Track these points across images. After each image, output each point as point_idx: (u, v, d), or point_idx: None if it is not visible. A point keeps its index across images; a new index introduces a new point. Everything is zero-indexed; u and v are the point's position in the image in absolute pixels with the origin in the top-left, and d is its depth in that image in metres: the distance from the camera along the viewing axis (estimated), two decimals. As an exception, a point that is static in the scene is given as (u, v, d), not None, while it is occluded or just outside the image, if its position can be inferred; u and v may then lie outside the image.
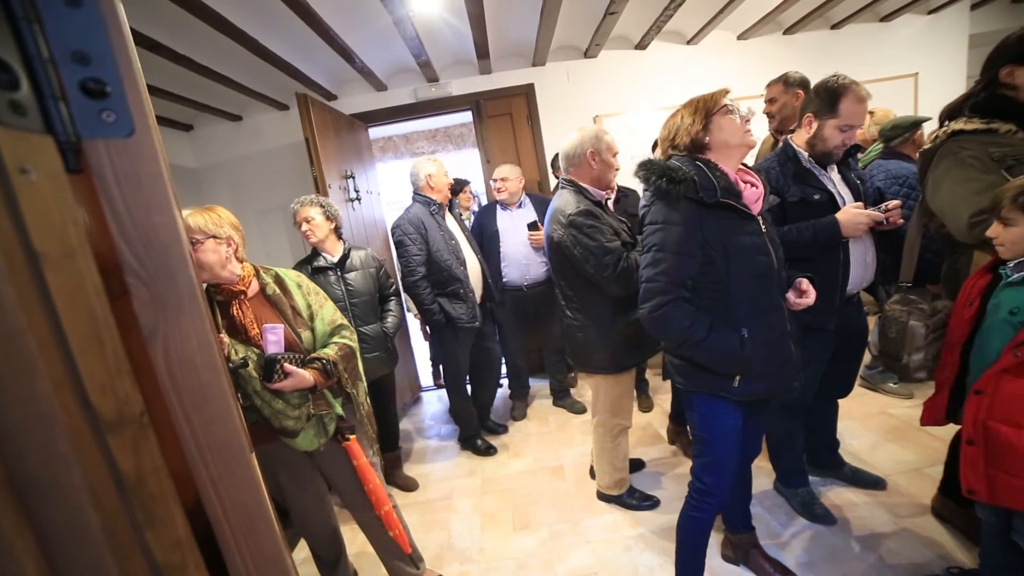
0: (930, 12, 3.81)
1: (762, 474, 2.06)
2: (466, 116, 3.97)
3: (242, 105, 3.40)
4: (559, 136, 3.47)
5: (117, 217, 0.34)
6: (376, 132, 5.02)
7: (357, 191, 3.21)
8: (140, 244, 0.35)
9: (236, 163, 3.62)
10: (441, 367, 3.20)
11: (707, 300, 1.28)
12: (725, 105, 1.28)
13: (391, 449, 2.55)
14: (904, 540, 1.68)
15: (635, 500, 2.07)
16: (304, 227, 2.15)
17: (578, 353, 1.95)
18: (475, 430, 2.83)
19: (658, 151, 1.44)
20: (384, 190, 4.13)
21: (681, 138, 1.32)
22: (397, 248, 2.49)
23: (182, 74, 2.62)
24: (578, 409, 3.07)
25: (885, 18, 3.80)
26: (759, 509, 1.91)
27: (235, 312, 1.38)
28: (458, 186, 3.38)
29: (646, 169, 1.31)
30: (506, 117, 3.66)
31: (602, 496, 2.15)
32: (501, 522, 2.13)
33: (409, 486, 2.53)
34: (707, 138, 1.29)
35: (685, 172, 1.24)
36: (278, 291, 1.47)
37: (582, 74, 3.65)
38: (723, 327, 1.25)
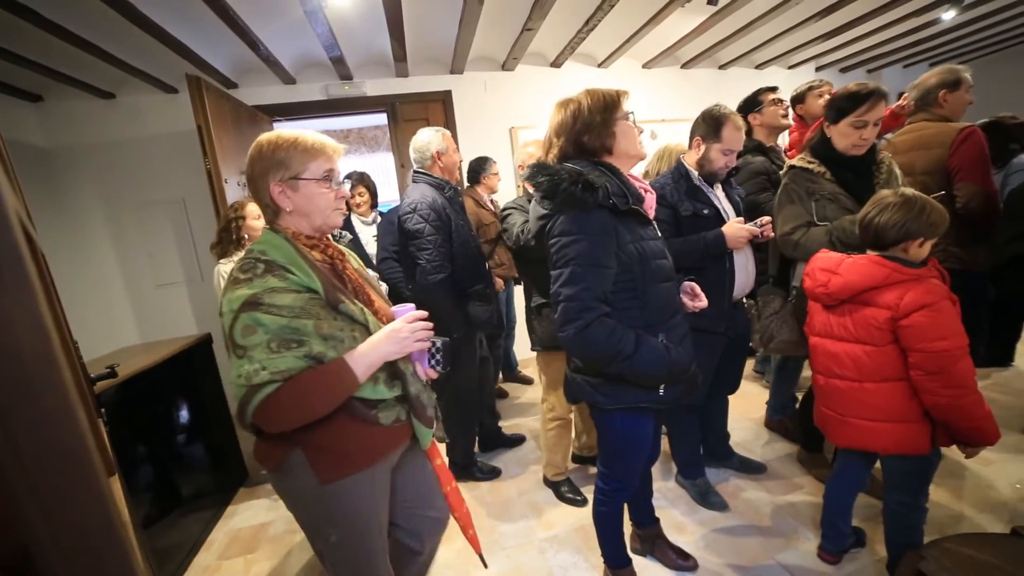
0: (790, 68, 4.55)
1: (667, 469, 2.22)
2: (381, 118, 3.86)
3: (115, 81, 2.95)
4: (476, 144, 3.50)
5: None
6: (284, 128, 4.67)
7: (258, 189, 2.95)
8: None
9: (107, 147, 3.14)
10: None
11: (622, 311, 1.21)
12: (626, 111, 1.24)
13: None
14: (780, 516, 1.89)
15: (567, 493, 2.14)
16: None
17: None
18: (472, 456, 2.44)
19: (552, 151, 1.30)
20: (290, 190, 3.84)
21: (593, 139, 1.22)
22: (412, 239, 1.95)
23: (23, 28, 2.12)
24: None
25: (759, 66, 4.44)
26: (663, 502, 2.04)
27: (351, 274, 1.10)
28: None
29: (549, 174, 1.17)
30: (422, 122, 3.62)
31: (544, 479, 2.27)
32: (415, 537, 2.04)
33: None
34: (612, 143, 1.23)
35: (598, 178, 1.15)
36: (359, 267, 1.21)
37: (499, 85, 3.73)
38: (647, 337, 1.20)
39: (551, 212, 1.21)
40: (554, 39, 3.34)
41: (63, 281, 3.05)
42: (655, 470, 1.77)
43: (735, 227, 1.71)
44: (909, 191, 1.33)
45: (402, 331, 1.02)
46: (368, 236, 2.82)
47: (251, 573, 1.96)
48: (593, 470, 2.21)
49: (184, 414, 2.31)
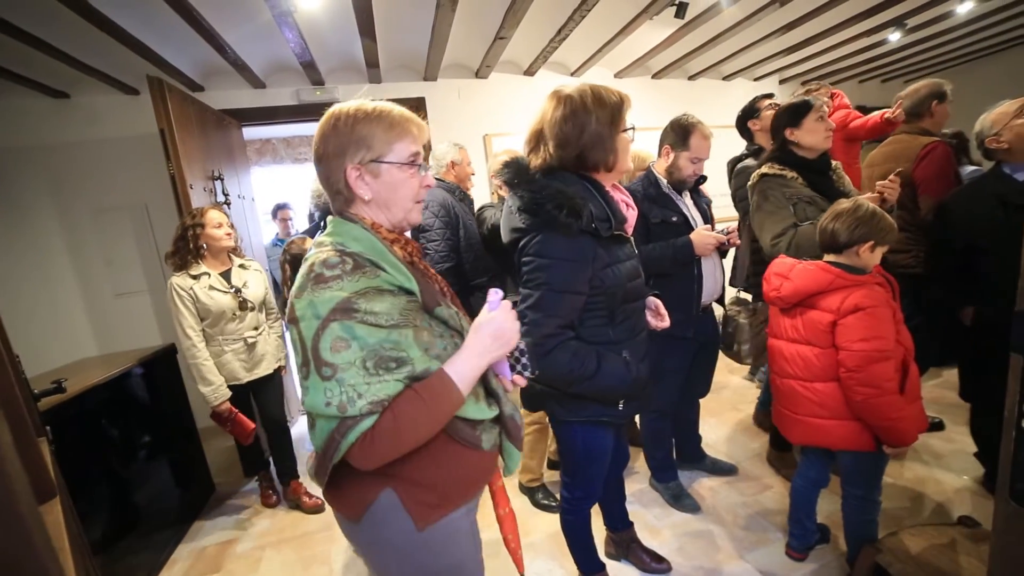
0: (755, 80, 4.73)
1: (640, 473, 2.24)
2: (355, 124, 3.81)
3: (69, 80, 2.81)
4: (452, 151, 3.49)
5: None
6: (253, 132, 4.59)
7: (227, 194, 2.87)
8: None
9: (61, 149, 2.99)
10: None
11: (591, 328, 1.19)
12: (627, 124, 1.15)
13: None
14: (750, 516, 1.94)
15: (542, 499, 2.14)
16: None
17: None
18: None
19: (540, 154, 1.19)
20: (260, 196, 3.76)
21: (595, 155, 1.12)
22: (422, 232, 2.13)
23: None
24: None
25: (726, 78, 4.60)
26: (637, 506, 2.06)
27: (432, 274, 0.96)
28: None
29: (532, 190, 1.10)
30: (397, 128, 3.60)
31: (519, 485, 2.24)
32: (389, 550, 2.00)
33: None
34: (613, 160, 1.15)
35: (583, 201, 1.09)
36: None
37: (473, 93, 3.74)
38: (609, 355, 1.18)
39: (528, 228, 1.14)
40: (527, 47, 3.38)
41: (10, 291, 2.92)
42: (628, 474, 1.78)
43: (702, 234, 1.75)
44: (863, 200, 1.41)
45: (509, 327, 0.84)
46: None
47: (216, 594, 1.89)
48: (569, 476, 2.22)
49: (145, 429, 2.21)
